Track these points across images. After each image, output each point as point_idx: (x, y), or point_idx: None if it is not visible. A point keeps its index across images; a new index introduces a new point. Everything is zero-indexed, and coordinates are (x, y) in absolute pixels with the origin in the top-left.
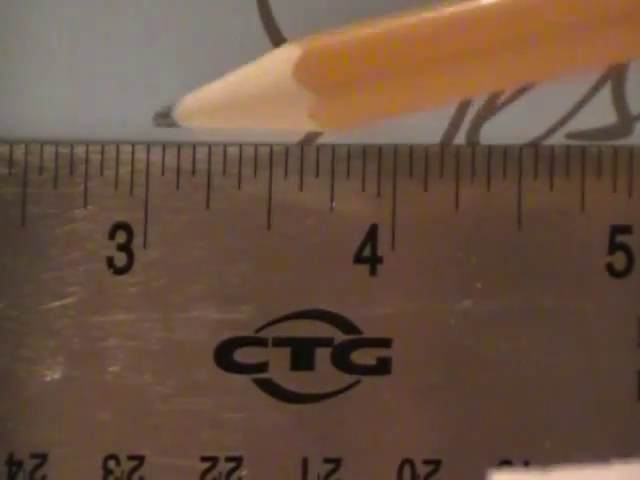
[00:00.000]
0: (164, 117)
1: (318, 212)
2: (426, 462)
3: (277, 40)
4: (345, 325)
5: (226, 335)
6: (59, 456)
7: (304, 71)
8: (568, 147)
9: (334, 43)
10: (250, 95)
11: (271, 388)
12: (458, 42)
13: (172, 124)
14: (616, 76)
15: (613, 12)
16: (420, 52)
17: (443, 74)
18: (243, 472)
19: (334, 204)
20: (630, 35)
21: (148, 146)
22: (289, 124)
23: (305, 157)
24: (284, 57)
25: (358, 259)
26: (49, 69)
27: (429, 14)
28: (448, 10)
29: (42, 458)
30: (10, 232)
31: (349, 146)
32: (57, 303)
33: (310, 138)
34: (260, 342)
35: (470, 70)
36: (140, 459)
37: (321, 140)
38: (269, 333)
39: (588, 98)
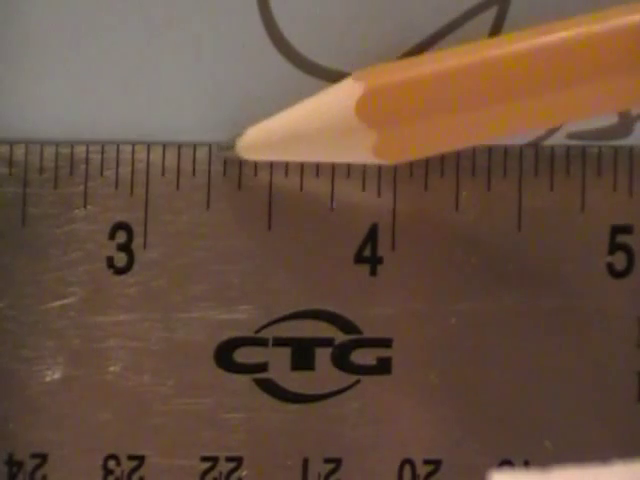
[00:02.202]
0: (228, 149)
1: (318, 212)
2: (426, 462)
3: (278, 40)
4: (345, 325)
5: (226, 335)
6: (59, 456)
7: (366, 108)
8: (568, 147)
9: (395, 80)
10: (313, 131)
11: (271, 388)
12: (515, 78)
13: (235, 157)
14: None
15: None
16: (480, 87)
17: (503, 109)
18: (243, 472)
19: (334, 204)
20: None
21: (148, 146)
22: (353, 159)
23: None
24: (346, 93)
25: (358, 259)
26: (49, 69)
27: (489, 51)
28: (510, 47)
29: (42, 458)
30: (10, 232)
31: None
32: (57, 303)
33: None
34: (260, 342)
35: (529, 105)
36: (140, 459)
37: None
38: (269, 333)
39: None
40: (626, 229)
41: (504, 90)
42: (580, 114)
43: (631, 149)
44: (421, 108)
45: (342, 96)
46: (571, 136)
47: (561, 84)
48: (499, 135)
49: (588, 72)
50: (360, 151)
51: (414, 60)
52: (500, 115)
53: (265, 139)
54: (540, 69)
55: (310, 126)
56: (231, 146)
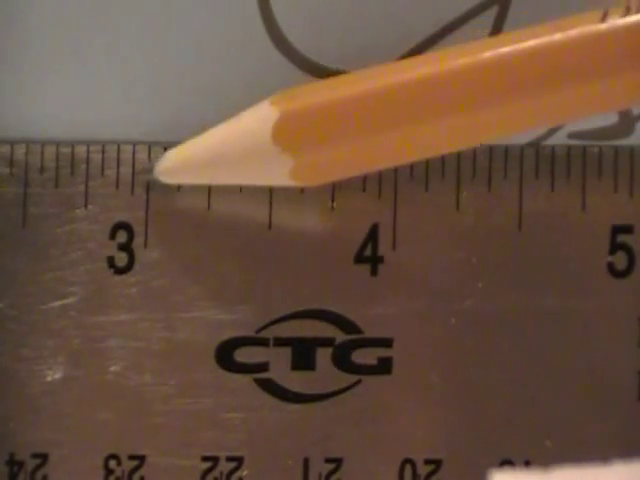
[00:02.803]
0: (146, 173)
1: (319, 212)
2: (427, 462)
3: (278, 40)
4: (346, 325)
5: (227, 335)
6: (60, 456)
7: (282, 134)
8: (569, 147)
9: (310, 104)
10: (230, 155)
11: (272, 388)
12: (436, 99)
13: (153, 180)
14: None
15: None
16: (396, 109)
17: (418, 131)
18: (244, 472)
19: (334, 204)
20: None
21: (149, 146)
22: (271, 183)
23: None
24: (263, 117)
25: (359, 259)
26: (49, 69)
27: (404, 74)
28: (424, 70)
29: (43, 458)
30: (11, 232)
31: None
32: (58, 303)
33: None
34: (261, 342)
35: (449, 125)
36: (141, 459)
37: None
38: (270, 333)
39: None
40: (627, 229)
41: (418, 112)
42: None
43: (632, 149)
44: (336, 132)
45: (259, 121)
46: (572, 136)
47: (488, 99)
48: (420, 155)
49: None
50: (277, 175)
51: (331, 82)
52: (416, 136)
53: (184, 162)
54: (451, 88)
55: (227, 151)
56: (150, 170)
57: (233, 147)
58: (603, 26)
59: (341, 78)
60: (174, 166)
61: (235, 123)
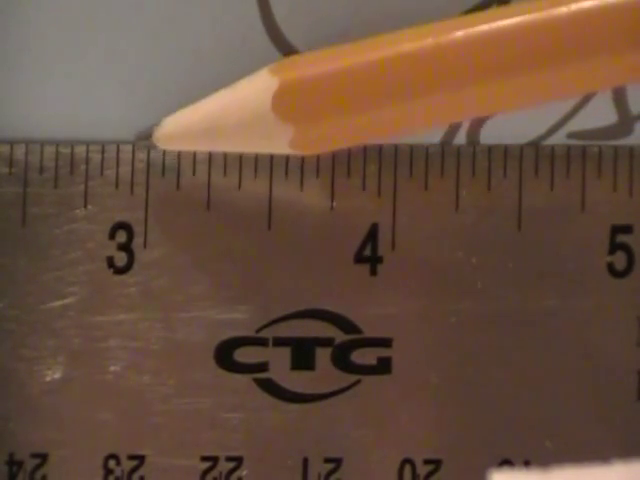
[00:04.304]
0: (145, 138)
1: (318, 212)
2: (426, 462)
3: (278, 40)
4: (345, 325)
5: (226, 335)
6: (59, 456)
7: (282, 103)
8: (569, 147)
9: (309, 73)
10: (230, 123)
11: (271, 388)
12: (436, 70)
13: (152, 146)
14: None
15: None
16: (395, 81)
17: (419, 102)
18: (243, 472)
19: (334, 204)
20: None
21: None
22: (269, 151)
23: (305, 157)
24: (262, 87)
25: (358, 259)
26: (49, 69)
27: (406, 44)
28: (426, 41)
29: (42, 458)
30: (10, 232)
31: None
32: (57, 303)
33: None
34: (260, 342)
35: (450, 97)
36: (140, 459)
37: None
38: (269, 333)
39: (589, 98)
40: (626, 229)
41: (420, 83)
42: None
43: (631, 149)
44: (335, 102)
45: (258, 89)
46: (571, 136)
47: (485, 75)
48: (421, 126)
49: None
50: (277, 144)
51: (331, 52)
52: (418, 107)
53: (182, 129)
54: (450, 62)
55: (227, 118)
56: (149, 135)
57: (232, 115)
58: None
59: (342, 47)
60: (172, 132)
61: (234, 91)
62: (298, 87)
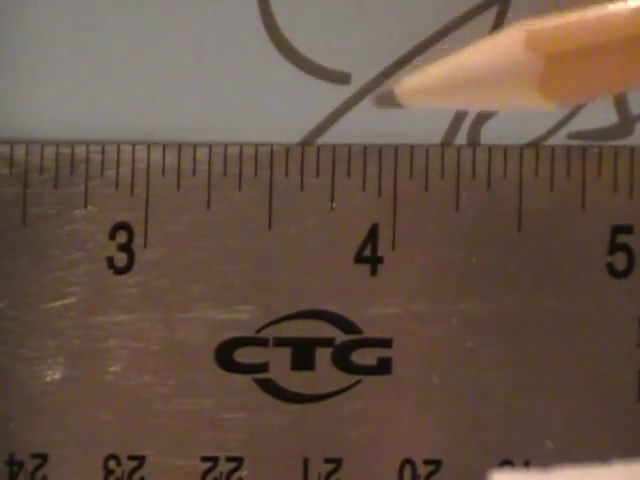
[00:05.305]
0: (387, 98)
1: (318, 212)
2: (427, 462)
3: (278, 40)
4: (346, 325)
5: (227, 335)
6: (60, 456)
7: (536, 39)
8: (569, 147)
9: (564, 21)
10: (478, 67)
11: (272, 388)
12: None
13: (396, 105)
14: None
15: None
16: None
17: None
18: (244, 472)
19: (334, 204)
20: None
21: (148, 146)
22: (516, 98)
23: (305, 157)
24: (517, 30)
25: (359, 259)
26: (49, 69)
27: None
28: None
29: (43, 458)
30: (11, 232)
31: (349, 146)
32: (58, 303)
33: (310, 139)
34: (261, 342)
35: None
36: (141, 459)
37: (321, 140)
38: (270, 333)
39: None
40: (626, 229)
41: None
42: None
43: (632, 149)
44: (589, 43)
45: (513, 31)
46: (571, 136)
47: None
48: None
49: None
50: (526, 86)
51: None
52: None
53: (426, 84)
54: None
55: (476, 63)
56: (391, 95)
57: (482, 58)
58: None
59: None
60: (416, 87)
61: (484, 40)
62: (552, 29)
